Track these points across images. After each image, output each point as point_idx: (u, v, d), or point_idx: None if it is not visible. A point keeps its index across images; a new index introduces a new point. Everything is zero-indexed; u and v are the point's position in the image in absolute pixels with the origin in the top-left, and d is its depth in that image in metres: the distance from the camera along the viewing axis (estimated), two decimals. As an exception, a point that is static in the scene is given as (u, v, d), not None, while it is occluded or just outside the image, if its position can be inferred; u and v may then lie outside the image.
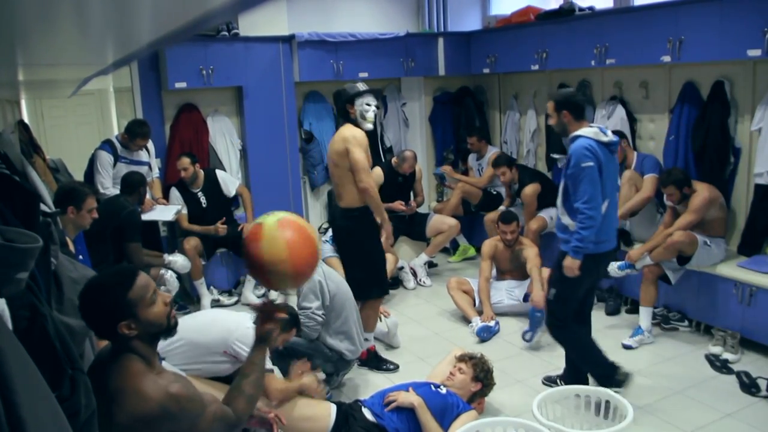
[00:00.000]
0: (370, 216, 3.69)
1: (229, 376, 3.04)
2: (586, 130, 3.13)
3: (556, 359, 3.83)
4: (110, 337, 1.75)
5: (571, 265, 3.14)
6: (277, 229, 1.92)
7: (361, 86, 3.67)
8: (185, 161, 4.93)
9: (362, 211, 3.68)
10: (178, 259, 4.52)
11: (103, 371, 1.73)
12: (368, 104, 3.64)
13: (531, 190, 5.11)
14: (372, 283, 3.82)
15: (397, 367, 3.90)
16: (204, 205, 5.04)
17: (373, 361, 3.92)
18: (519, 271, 4.67)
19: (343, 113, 3.72)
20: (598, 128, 3.16)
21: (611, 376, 3.33)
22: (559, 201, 3.28)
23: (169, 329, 1.80)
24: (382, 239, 3.81)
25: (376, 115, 3.78)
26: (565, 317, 3.32)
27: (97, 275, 1.82)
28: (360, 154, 3.57)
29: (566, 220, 3.22)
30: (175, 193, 5.01)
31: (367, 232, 3.73)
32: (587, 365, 3.42)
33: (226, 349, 2.96)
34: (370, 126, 3.68)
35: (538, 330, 4.12)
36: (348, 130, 3.64)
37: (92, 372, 1.78)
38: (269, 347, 2.09)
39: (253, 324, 2.07)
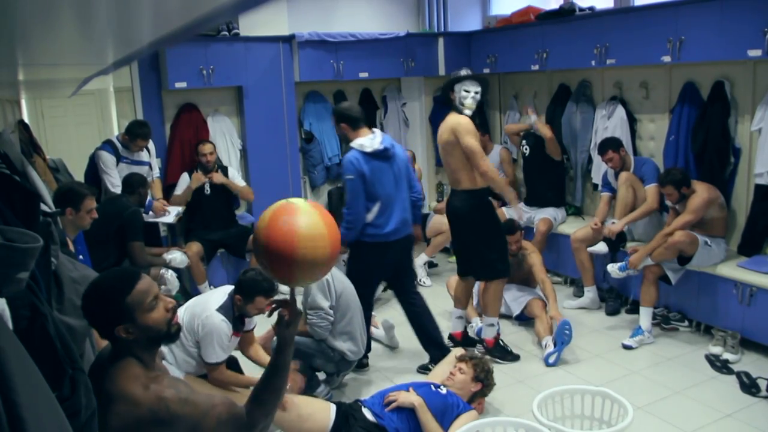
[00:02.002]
0: (486, 197, 3.81)
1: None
2: (356, 142, 3.53)
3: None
4: (110, 338, 1.74)
5: None
6: (312, 206, 1.73)
7: (463, 72, 3.74)
8: (210, 146, 5.03)
9: (481, 193, 3.77)
10: (176, 256, 4.53)
11: (103, 373, 1.72)
12: (467, 90, 3.65)
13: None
14: (496, 259, 3.85)
15: (518, 357, 3.90)
16: (207, 193, 5.07)
17: (499, 351, 3.93)
18: (521, 275, 4.56)
19: (447, 100, 3.82)
20: (371, 137, 3.53)
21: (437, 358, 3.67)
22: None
23: (170, 335, 1.77)
24: (514, 215, 4.27)
25: (477, 102, 3.75)
26: (368, 298, 3.74)
27: (99, 276, 1.80)
28: (471, 141, 3.61)
29: None
30: (185, 177, 5.07)
31: (487, 212, 3.82)
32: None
33: (197, 336, 2.97)
34: (468, 112, 3.70)
35: (563, 349, 3.88)
36: (453, 119, 3.70)
37: (92, 373, 1.77)
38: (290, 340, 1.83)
39: (273, 327, 1.89)
